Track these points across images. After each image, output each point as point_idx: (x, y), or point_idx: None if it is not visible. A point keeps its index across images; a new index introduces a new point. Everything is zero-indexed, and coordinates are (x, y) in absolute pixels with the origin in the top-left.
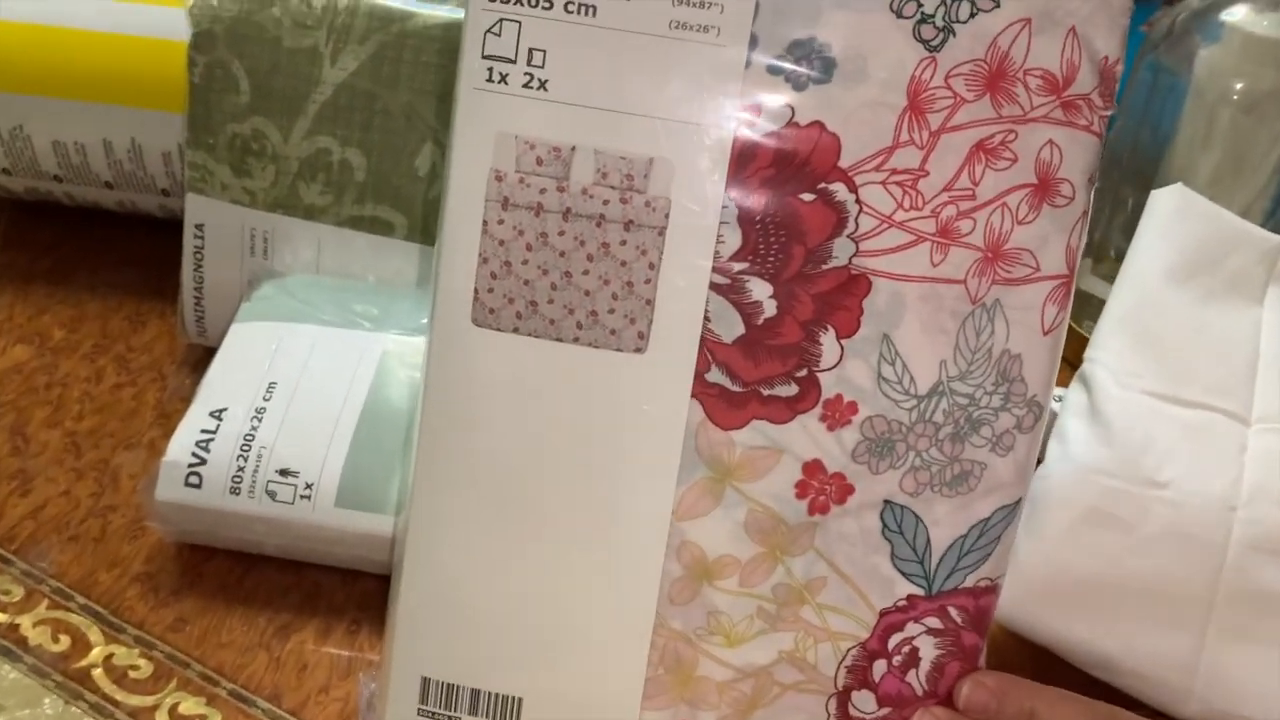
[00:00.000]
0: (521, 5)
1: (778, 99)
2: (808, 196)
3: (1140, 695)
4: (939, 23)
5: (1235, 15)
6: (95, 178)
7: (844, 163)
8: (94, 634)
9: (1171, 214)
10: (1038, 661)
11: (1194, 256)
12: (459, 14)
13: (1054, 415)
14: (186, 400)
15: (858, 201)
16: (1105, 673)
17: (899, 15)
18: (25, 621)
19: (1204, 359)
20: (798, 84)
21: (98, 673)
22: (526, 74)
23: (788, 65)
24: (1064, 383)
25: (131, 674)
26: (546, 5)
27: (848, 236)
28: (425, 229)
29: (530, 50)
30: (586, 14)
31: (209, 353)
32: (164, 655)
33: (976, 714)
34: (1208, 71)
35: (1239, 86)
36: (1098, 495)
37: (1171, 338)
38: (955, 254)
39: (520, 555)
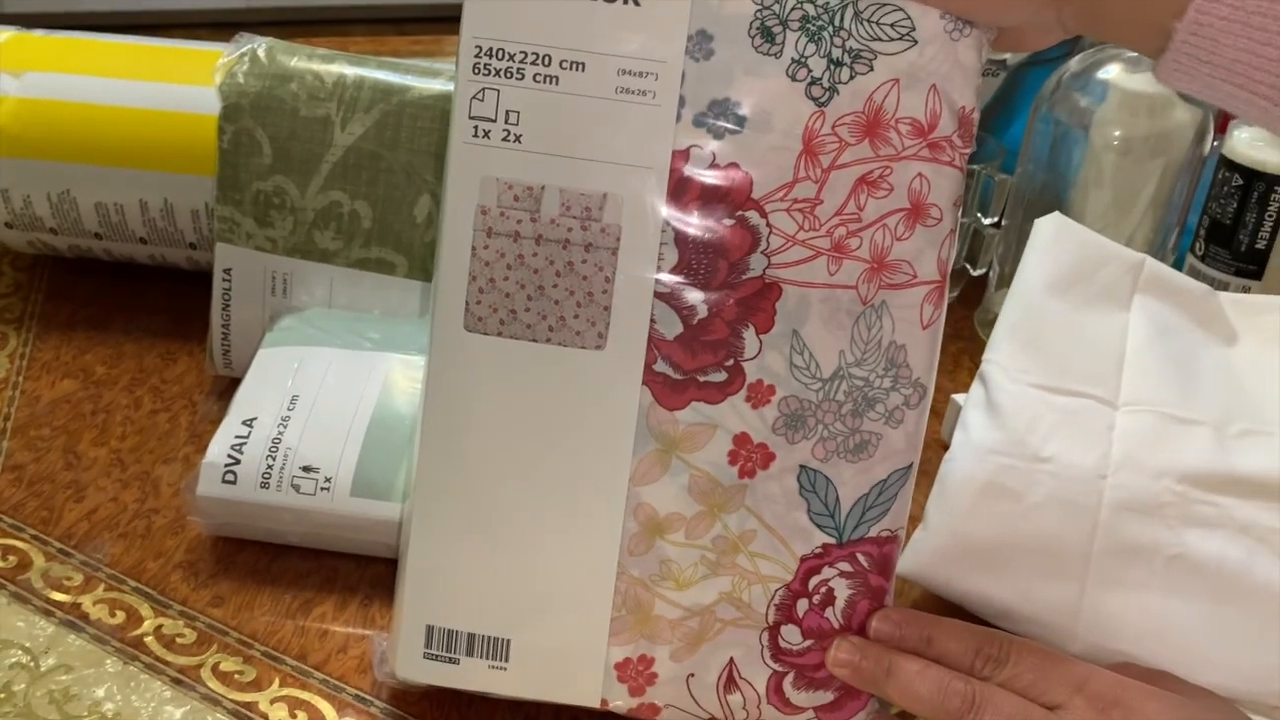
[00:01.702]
0: (499, 77)
1: (702, 146)
2: (729, 221)
3: (1033, 638)
4: (825, 84)
5: (1111, 73)
6: (131, 234)
7: (756, 194)
8: (145, 610)
9: (1051, 237)
10: (949, 615)
11: (1071, 272)
12: (448, 87)
13: (958, 407)
14: (215, 423)
15: (768, 225)
16: (1004, 621)
17: (793, 79)
18: (86, 601)
19: (1080, 356)
20: (717, 134)
21: (150, 639)
22: (504, 130)
23: (709, 120)
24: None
25: (179, 640)
26: (519, 77)
27: (761, 253)
28: (423, 268)
29: (507, 112)
30: (550, 83)
31: (234, 383)
32: (205, 625)
33: (884, 641)
34: (1096, 122)
35: (1117, 134)
36: (993, 471)
37: (1053, 339)
38: (848, 265)
39: (505, 519)
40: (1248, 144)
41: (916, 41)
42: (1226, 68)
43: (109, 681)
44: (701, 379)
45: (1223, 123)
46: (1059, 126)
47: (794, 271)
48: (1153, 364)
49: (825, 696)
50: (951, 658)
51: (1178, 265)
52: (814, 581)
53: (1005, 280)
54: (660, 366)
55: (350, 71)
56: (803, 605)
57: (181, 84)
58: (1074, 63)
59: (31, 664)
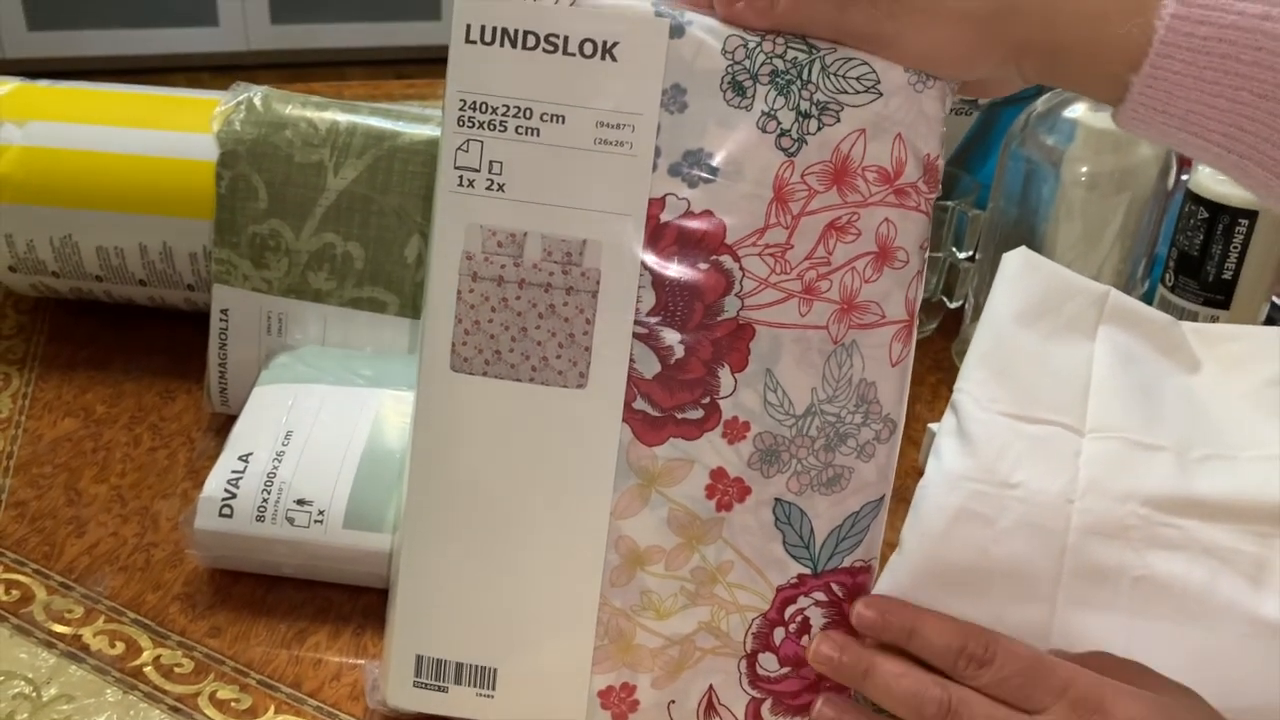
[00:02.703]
0: (483, 129)
1: (678, 194)
2: (704, 265)
3: None
4: (794, 135)
5: (1076, 112)
6: (131, 276)
7: (729, 240)
8: (144, 641)
9: (1018, 271)
10: None
11: (1038, 303)
12: (437, 132)
13: (933, 435)
14: (213, 459)
15: (741, 269)
16: None
17: (763, 131)
18: (86, 633)
19: (1047, 385)
20: (692, 182)
21: (149, 669)
22: (488, 179)
23: (684, 169)
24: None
25: (177, 670)
26: (502, 129)
27: (735, 295)
28: (414, 306)
29: (491, 162)
30: (532, 134)
31: (231, 419)
32: (203, 655)
33: (866, 630)
34: (1065, 159)
35: (1084, 170)
36: (965, 497)
37: (1021, 369)
38: (818, 307)
39: (492, 552)
40: (1211, 178)
41: (882, 94)
42: (1181, 117)
43: (109, 710)
44: (679, 416)
45: (1186, 158)
46: (1029, 163)
47: (767, 313)
48: (1117, 392)
49: None
50: (934, 653)
51: (1149, 295)
52: (790, 611)
53: (980, 312)
54: (639, 404)
55: (343, 118)
56: (779, 634)
57: (180, 131)
58: (1040, 103)
59: (34, 694)
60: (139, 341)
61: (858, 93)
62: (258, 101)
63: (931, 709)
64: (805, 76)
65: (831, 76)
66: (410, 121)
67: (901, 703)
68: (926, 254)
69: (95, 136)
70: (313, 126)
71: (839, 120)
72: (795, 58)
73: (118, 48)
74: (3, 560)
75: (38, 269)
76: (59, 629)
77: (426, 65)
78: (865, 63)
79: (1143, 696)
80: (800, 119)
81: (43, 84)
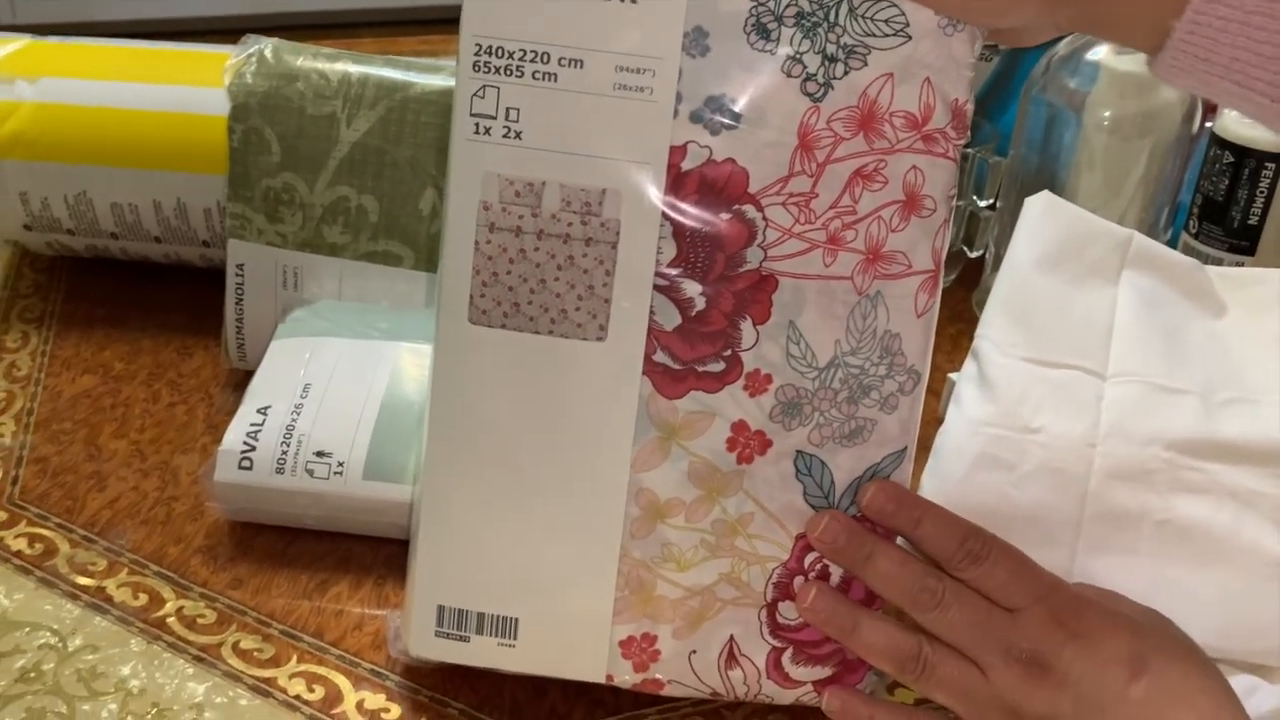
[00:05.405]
0: (499, 74)
1: (699, 141)
2: (726, 215)
3: None
4: (820, 80)
5: (1099, 54)
6: (146, 233)
7: (752, 189)
8: (167, 592)
9: (1040, 215)
10: None
11: (1060, 248)
12: (450, 82)
13: (953, 384)
14: (231, 413)
15: (764, 218)
16: None
17: (788, 75)
18: (110, 584)
19: (1069, 329)
20: (714, 129)
21: (172, 620)
22: (505, 127)
23: (706, 115)
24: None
25: (200, 620)
26: (519, 74)
27: (758, 245)
28: (429, 259)
29: (507, 109)
30: (549, 80)
31: (249, 375)
32: (225, 606)
33: (876, 515)
34: (1087, 103)
35: (1107, 114)
36: (985, 442)
37: (1043, 314)
38: (843, 257)
39: (512, 505)
40: (1238, 122)
41: (910, 37)
42: (1224, 65)
43: (134, 660)
44: (700, 369)
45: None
46: (1051, 108)
47: (790, 264)
48: (1140, 336)
49: (823, 671)
50: (934, 544)
51: (1172, 243)
52: (810, 559)
53: (1001, 261)
54: (660, 357)
55: (354, 69)
56: (799, 582)
57: (191, 86)
58: (1062, 45)
59: (60, 645)
60: (156, 298)
61: (886, 35)
62: (268, 53)
63: (925, 597)
64: (832, 18)
65: (859, 19)
66: (422, 72)
67: (898, 588)
68: (954, 202)
69: (107, 92)
70: (324, 78)
71: (866, 64)
72: None
73: (127, 12)
74: (26, 515)
75: (53, 227)
76: (83, 581)
77: (440, 25)
78: (894, 4)
79: (1119, 618)
80: (827, 63)
81: (53, 40)
